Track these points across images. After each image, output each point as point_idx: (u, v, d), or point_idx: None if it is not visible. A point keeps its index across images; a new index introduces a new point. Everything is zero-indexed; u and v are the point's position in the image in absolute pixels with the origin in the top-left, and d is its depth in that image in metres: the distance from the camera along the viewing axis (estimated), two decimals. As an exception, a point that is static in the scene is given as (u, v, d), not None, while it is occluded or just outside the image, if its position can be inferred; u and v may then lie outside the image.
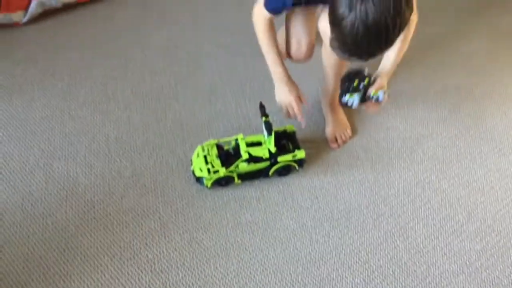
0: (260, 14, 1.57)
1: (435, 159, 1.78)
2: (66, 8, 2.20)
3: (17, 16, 2.09)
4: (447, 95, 1.98)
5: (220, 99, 1.91)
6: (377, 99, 1.53)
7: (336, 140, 1.79)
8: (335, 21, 1.22)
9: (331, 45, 1.30)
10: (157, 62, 2.03)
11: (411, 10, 1.22)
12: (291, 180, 1.69)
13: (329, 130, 1.80)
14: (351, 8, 1.17)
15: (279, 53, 1.63)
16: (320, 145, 1.79)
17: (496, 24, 2.31)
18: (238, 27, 2.16)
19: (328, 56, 1.66)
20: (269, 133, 1.60)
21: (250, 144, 1.63)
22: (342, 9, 1.18)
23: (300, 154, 1.64)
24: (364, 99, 1.55)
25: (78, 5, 2.22)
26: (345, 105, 1.59)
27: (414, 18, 1.50)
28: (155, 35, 2.14)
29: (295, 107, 1.64)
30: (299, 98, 1.65)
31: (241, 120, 1.84)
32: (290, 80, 1.65)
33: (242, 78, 1.98)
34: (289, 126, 1.72)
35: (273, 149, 1.61)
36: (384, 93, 1.54)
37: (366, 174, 1.72)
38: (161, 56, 2.06)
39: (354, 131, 1.84)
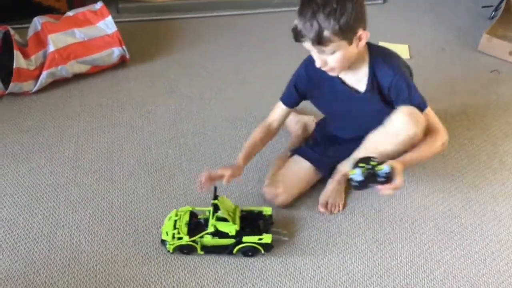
0: (264, 121, 1.80)
1: (436, 229, 1.79)
2: (75, 77, 2.27)
3: (27, 86, 2.17)
4: (448, 165, 2.02)
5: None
6: (384, 174, 1.48)
7: (326, 206, 1.80)
8: None
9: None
10: (163, 133, 2.08)
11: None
12: (293, 249, 1.70)
13: (323, 194, 1.82)
14: None
15: (250, 152, 1.73)
16: (323, 215, 1.81)
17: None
18: (242, 101, 2.24)
19: None
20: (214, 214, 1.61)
21: (221, 219, 1.63)
22: None
23: (267, 238, 1.62)
24: (373, 179, 1.51)
25: (88, 75, 2.30)
26: (352, 185, 1.55)
27: (441, 133, 1.65)
28: (162, 107, 2.21)
29: (204, 175, 1.62)
30: (219, 175, 1.63)
31: (243, 192, 1.87)
32: (236, 165, 1.68)
33: (245, 148, 2.03)
34: (265, 208, 1.72)
35: (268, 239, 1.62)
36: (390, 168, 1.49)
37: (368, 244, 1.73)
38: (167, 128, 2.11)
39: (356, 199, 1.86)
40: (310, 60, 1.64)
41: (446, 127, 1.70)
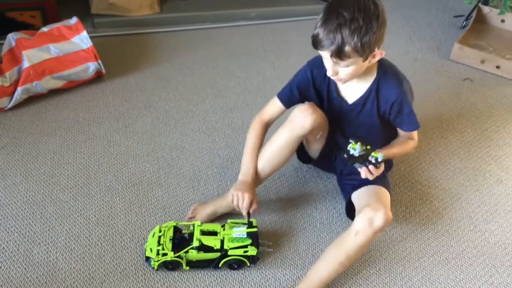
0: (258, 117, 1.76)
1: (413, 236, 1.81)
2: (50, 92, 2.26)
3: (2, 102, 2.14)
4: (424, 171, 2.05)
5: (202, 183, 1.94)
6: (376, 160, 1.51)
7: None
8: None
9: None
10: (141, 147, 2.08)
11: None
12: (273, 261, 1.70)
13: None
14: None
15: (257, 156, 1.71)
16: (304, 226, 1.82)
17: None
18: (219, 113, 2.25)
19: None
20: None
21: (205, 232, 1.63)
22: None
23: (252, 251, 1.62)
24: (365, 161, 1.52)
25: (63, 90, 2.29)
26: (346, 154, 1.53)
27: (415, 139, 1.72)
28: (139, 121, 2.20)
29: (245, 202, 1.64)
30: (253, 201, 1.66)
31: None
32: (252, 186, 1.69)
33: (224, 161, 2.03)
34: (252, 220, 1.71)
35: (253, 251, 1.62)
36: (382, 157, 1.52)
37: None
38: (144, 142, 2.10)
39: (333, 208, 1.88)
40: (315, 64, 1.66)
41: (421, 135, 1.74)
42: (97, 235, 1.74)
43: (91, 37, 2.30)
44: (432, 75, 2.61)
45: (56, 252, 1.68)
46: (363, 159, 1.52)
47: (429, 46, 2.82)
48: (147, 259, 1.63)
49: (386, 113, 1.63)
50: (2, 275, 1.60)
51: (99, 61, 2.30)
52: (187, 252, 1.59)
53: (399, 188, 1.98)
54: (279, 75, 2.49)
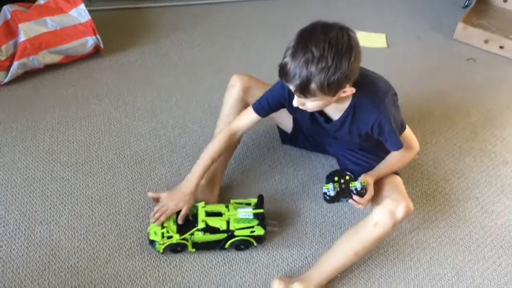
0: (228, 127, 1.67)
1: (421, 218, 1.80)
2: (47, 68, 2.19)
3: (-2, 77, 2.08)
4: (430, 153, 2.03)
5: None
6: (356, 190, 1.53)
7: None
8: None
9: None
10: (142, 125, 2.02)
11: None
12: (280, 241, 1.68)
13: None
14: None
15: (209, 165, 1.62)
16: (310, 206, 1.79)
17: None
18: (221, 91, 2.18)
19: None
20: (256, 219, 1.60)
21: (210, 214, 1.60)
22: None
23: (259, 231, 1.59)
24: (346, 194, 1.55)
25: (60, 65, 2.22)
26: (324, 198, 1.57)
27: (414, 147, 1.62)
28: (139, 98, 2.14)
29: (167, 212, 1.56)
30: (179, 213, 1.57)
31: (226, 185, 1.83)
32: (189, 194, 1.59)
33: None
34: (253, 200, 1.67)
35: (260, 231, 1.59)
36: (362, 184, 1.52)
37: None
38: (146, 119, 2.05)
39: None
40: None
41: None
42: (100, 214, 1.70)
43: (88, 11, 2.23)
44: (435, 54, 2.58)
45: (58, 231, 1.63)
46: (344, 193, 1.54)
47: (432, 25, 2.77)
48: (152, 242, 1.58)
49: (368, 133, 1.54)
50: (4, 255, 1.56)
51: (98, 36, 2.23)
52: (192, 234, 1.56)
53: (405, 169, 1.96)
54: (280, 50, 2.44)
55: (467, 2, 2.90)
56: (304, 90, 1.32)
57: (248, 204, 1.66)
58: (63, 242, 1.61)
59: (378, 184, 1.60)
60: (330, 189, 1.56)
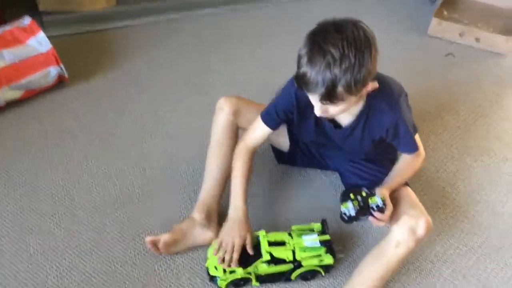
0: (242, 143, 1.57)
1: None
2: (9, 105, 1.99)
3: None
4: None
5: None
6: (377, 206, 1.42)
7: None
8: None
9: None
10: (123, 159, 1.85)
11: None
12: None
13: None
14: None
15: (246, 187, 1.52)
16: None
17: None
18: (202, 112, 2.04)
19: None
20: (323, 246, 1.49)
21: (272, 243, 1.46)
22: None
23: (328, 259, 1.48)
24: (366, 211, 1.43)
25: (23, 101, 2.02)
26: (342, 218, 1.44)
27: (421, 153, 1.55)
28: (115, 129, 1.97)
29: (235, 246, 1.42)
30: (244, 242, 1.45)
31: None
32: (245, 222, 1.48)
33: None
34: (316, 225, 1.56)
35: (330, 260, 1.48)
36: (382, 200, 1.42)
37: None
38: (125, 152, 1.88)
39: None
40: None
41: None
42: (93, 267, 1.52)
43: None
44: (416, 54, 2.51)
45: None
46: (364, 210, 1.42)
47: (406, 23, 2.70)
48: (212, 278, 1.45)
49: (382, 137, 1.46)
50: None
51: (61, 65, 2.03)
52: (256, 267, 1.43)
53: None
54: (261, 65, 2.32)
55: (434, -3, 2.85)
56: (331, 95, 1.23)
57: (311, 230, 1.54)
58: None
59: (391, 198, 1.50)
60: (350, 208, 1.43)
